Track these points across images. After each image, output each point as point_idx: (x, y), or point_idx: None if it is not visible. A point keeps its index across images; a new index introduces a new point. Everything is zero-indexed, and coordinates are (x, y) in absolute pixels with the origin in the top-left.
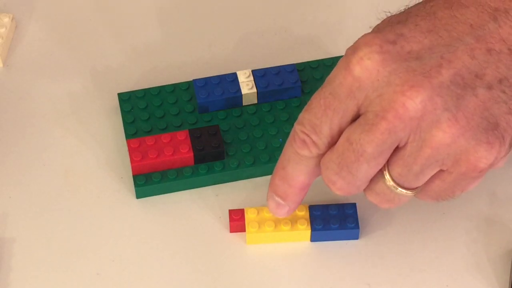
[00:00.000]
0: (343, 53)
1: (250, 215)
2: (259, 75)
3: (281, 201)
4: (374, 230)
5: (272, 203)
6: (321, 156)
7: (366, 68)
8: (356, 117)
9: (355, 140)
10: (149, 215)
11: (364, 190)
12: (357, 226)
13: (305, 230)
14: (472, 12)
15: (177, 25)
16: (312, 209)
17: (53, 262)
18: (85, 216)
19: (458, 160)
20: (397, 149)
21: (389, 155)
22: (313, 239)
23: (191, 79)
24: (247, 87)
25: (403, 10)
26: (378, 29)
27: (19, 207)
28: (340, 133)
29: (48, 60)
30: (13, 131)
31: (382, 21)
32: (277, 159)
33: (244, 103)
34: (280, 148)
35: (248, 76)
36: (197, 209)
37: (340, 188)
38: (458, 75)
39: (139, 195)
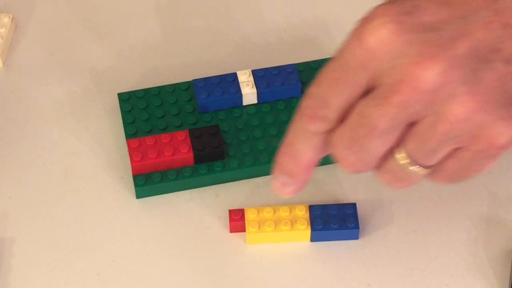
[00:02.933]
0: None
1: (250, 215)
2: (259, 75)
3: (288, 180)
4: (374, 230)
5: (277, 182)
6: (330, 131)
7: (380, 39)
8: (367, 90)
9: (367, 114)
10: (149, 215)
11: (375, 168)
12: (357, 226)
13: (305, 230)
14: None
15: (177, 25)
16: (312, 209)
17: (53, 262)
18: (85, 216)
19: (475, 136)
20: (411, 124)
21: (402, 130)
22: (313, 239)
23: (191, 79)
24: (247, 87)
25: None
26: (392, 0)
27: (19, 207)
28: (350, 107)
29: (48, 60)
30: (13, 131)
31: None
32: None
33: (244, 103)
34: None
35: (248, 76)
36: (197, 209)
37: (351, 164)
38: (475, 48)
39: (139, 195)
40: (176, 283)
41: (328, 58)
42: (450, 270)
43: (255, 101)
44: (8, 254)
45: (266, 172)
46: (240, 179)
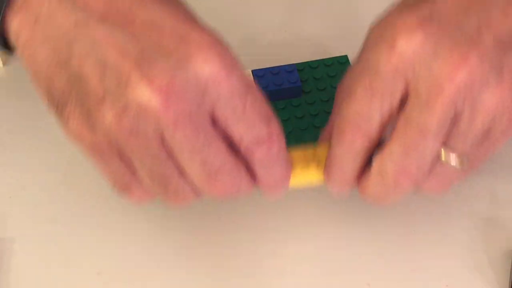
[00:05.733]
0: (343, 53)
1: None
2: (259, 75)
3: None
4: (374, 230)
5: (331, 190)
6: (373, 147)
7: (410, 45)
8: (404, 98)
9: (416, 117)
10: (149, 215)
11: (425, 180)
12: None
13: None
14: None
15: None
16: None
17: (53, 262)
18: (85, 215)
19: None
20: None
21: (447, 128)
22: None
23: None
24: None
25: None
26: (406, 6)
27: (19, 207)
28: (390, 118)
29: None
30: (13, 131)
31: None
32: None
33: None
34: None
35: (248, 76)
36: (198, 209)
37: (408, 173)
38: (498, 37)
39: None
40: (176, 283)
41: (328, 58)
42: (450, 270)
43: None
44: (8, 254)
45: None
46: None
